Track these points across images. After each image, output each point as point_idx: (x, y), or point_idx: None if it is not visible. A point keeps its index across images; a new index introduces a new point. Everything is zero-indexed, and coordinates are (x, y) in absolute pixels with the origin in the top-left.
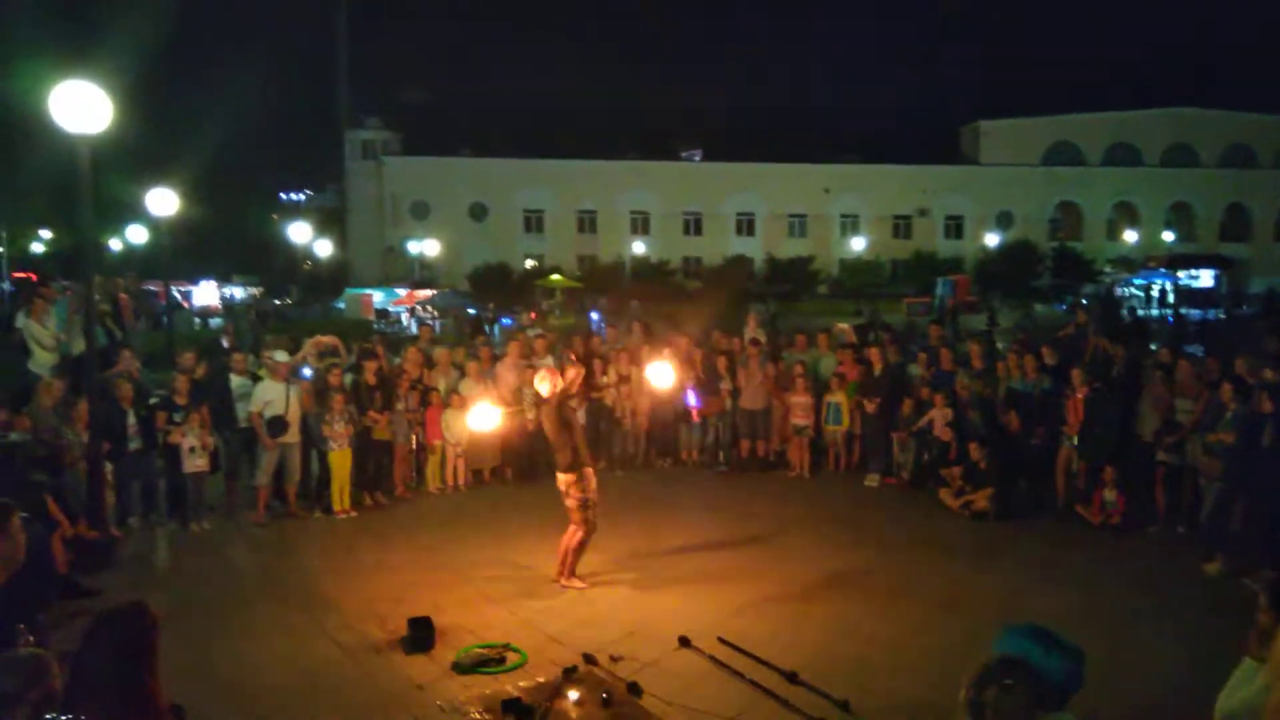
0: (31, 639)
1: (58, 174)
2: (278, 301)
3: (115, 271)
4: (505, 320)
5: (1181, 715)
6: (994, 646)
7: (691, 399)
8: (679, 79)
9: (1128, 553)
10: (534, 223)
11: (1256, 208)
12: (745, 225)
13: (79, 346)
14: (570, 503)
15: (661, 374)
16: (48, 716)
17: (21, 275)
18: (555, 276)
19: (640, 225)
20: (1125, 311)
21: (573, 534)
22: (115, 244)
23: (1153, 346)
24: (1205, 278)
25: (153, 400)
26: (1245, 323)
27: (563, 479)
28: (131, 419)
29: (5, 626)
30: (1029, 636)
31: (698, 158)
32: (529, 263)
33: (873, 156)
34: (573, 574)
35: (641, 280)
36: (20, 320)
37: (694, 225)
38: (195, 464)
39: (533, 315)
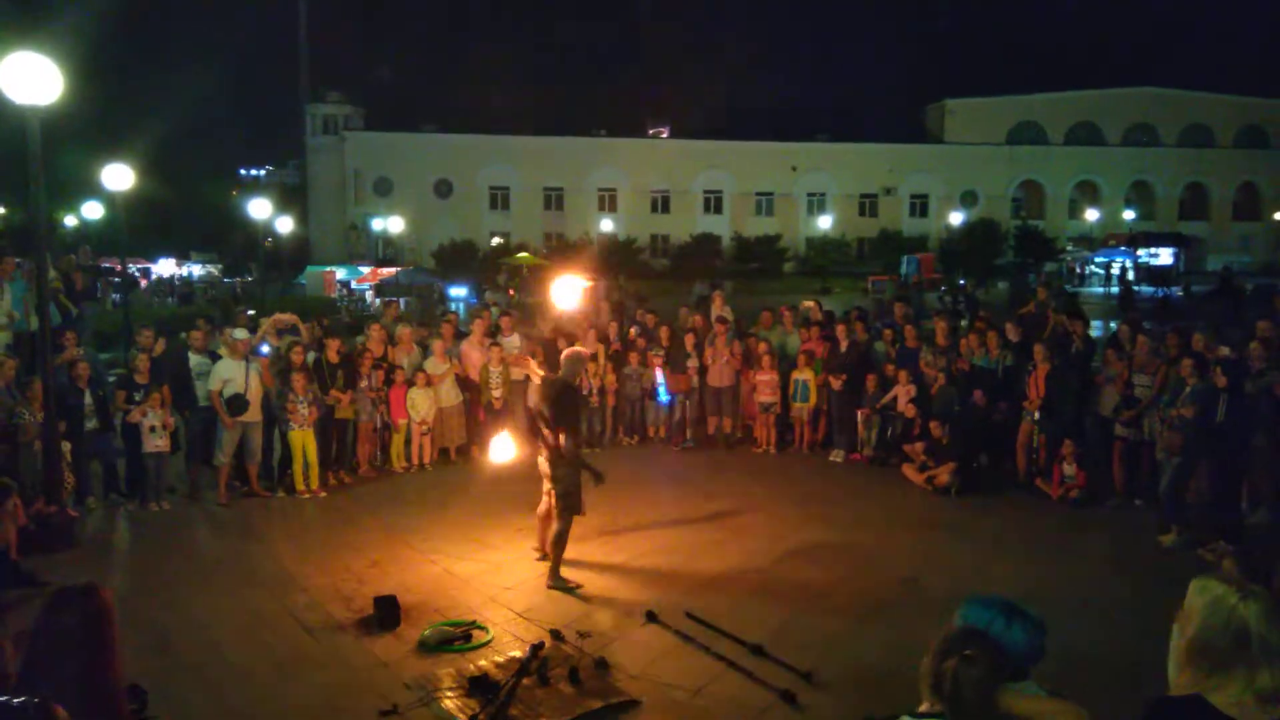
0: None
1: (8, 147)
2: (230, 280)
3: (70, 248)
4: (472, 298)
5: (1138, 682)
6: (956, 618)
7: (659, 376)
8: (646, 56)
9: (1086, 525)
10: (500, 200)
11: (1214, 187)
12: (713, 203)
13: (35, 323)
14: (560, 489)
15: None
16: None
17: None
18: (522, 254)
19: (608, 203)
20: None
21: (553, 526)
22: (70, 220)
23: (1113, 325)
24: (1165, 255)
25: (112, 378)
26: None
27: (551, 464)
28: (88, 398)
29: None
30: (991, 607)
31: (665, 135)
32: (495, 240)
33: (839, 135)
34: (558, 573)
35: (609, 258)
36: None
37: (661, 203)
38: (155, 443)
39: (510, 293)
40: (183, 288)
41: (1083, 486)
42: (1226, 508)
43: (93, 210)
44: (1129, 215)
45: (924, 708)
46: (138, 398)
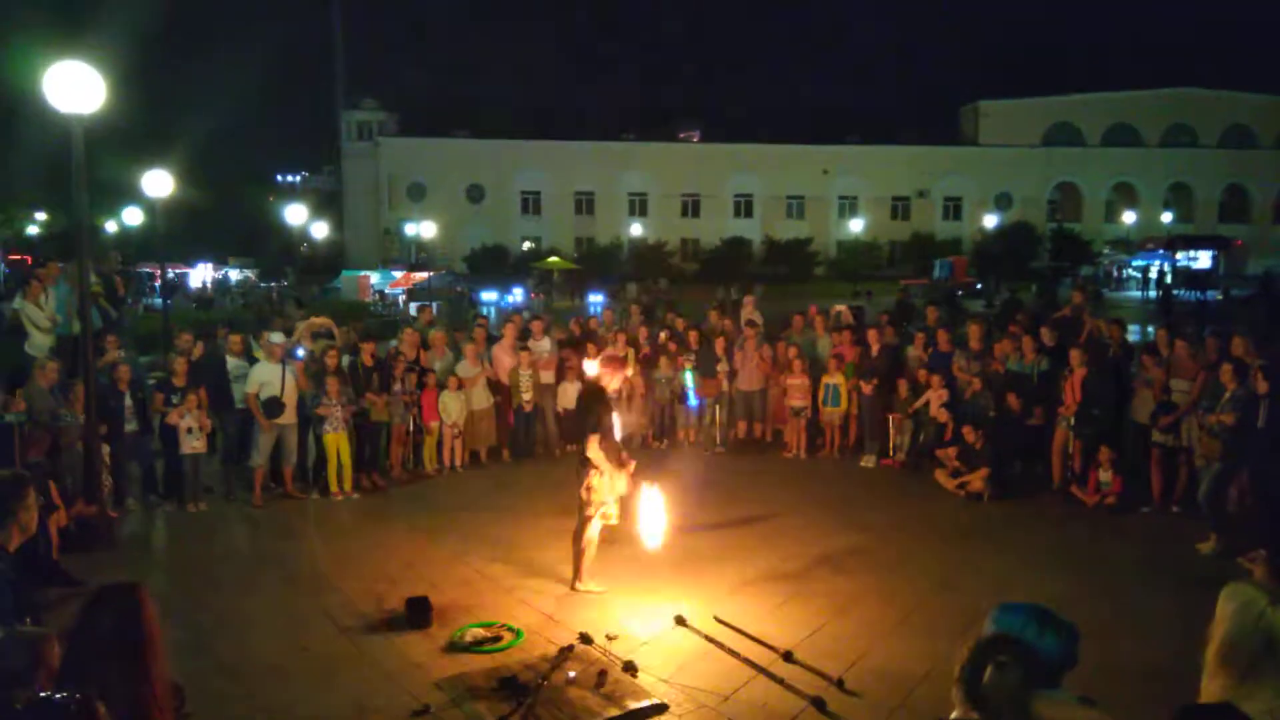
0: (28, 619)
1: (52, 155)
2: (266, 284)
3: (105, 253)
4: (504, 301)
5: (1173, 691)
6: (989, 624)
7: (689, 380)
8: (677, 59)
9: (1123, 532)
10: (531, 204)
11: (1255, 188)
12: (743, 207)
13: (78, 327)
14: (586, 494)
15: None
16: (41, 694)
17: (17, 257)
18: (553, 258)
19: (638, 207)
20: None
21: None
22: (111, 225)
23: (1150, 330)
24: (1203, 259)
25: (150, 381)
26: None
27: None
28: (129, 400)
29: (19, 594)
30: (1024, 614)
31: (696, 139)
32: (526, 245)
33: (871, 137)
34: (579, 576)
35: (640, 262)
36: (17, 302)
37: (692, 207)
38: (192, 445)
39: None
40: (203, 294)
41: (1119, 493)
42: (1267, 515)
43: (132, 216)
44: (1167, 218)
45: (956, 714)
46: (175, 400)
